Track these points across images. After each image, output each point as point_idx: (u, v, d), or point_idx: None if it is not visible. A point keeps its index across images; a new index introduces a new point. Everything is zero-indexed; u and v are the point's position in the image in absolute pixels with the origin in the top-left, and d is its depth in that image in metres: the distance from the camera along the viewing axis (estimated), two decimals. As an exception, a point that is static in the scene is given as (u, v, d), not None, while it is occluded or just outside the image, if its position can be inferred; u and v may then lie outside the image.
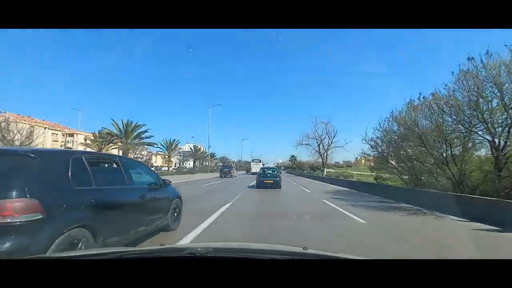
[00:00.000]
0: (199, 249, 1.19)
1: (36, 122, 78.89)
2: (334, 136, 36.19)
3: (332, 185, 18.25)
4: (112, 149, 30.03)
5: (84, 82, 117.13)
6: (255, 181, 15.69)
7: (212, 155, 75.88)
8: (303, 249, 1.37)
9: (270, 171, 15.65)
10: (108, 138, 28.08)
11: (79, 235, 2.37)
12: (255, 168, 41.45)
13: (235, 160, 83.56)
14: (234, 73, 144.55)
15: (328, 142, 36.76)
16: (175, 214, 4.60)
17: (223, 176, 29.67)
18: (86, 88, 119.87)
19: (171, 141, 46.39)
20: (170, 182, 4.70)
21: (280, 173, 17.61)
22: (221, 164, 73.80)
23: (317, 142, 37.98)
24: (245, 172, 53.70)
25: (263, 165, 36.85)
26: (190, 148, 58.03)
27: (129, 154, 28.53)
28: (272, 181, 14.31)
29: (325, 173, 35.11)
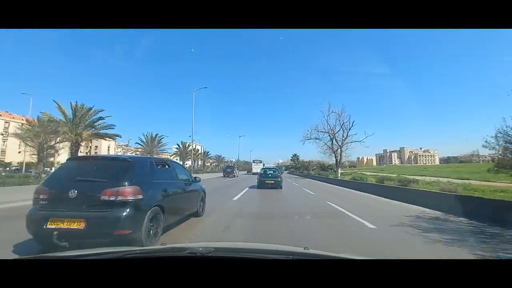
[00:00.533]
0: (200, 249, 1.19)
1: (13, 117, 71.19)
2: (350, 129, 28.49)
3: (382, 199, 10.43)
4: (60, 142, 22.30)
5: (79, 80, 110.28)
6: (256, 181, 15.43)
7: (206, 154, 68.82)
8: (304, 249, 1.37)
9: (271, 172, 15.33)
10: (52, 127, 20.27)
11: (157, 212, 3.67)
12: (256, 168, 42.83)
13: (234, 160, 78.18)
14: (233, 73, 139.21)
15: (343, 136, 29.07)
16: (202, 203, 5.96)
17: (226, 176, 30.40)
18: (78, 87, 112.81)
19: (153, 136, 38.51)
20: (200, 179, 6.20)
21: (281, 174, 17.10)
22: (216, 163, 69.59)
23: (329, 136, 30.17)
24: (246, 172, 55.08)
25: (264, 166, 37.09)
26: (178, 145, 50.01)
27: (81, 148, 20.80)
28: (273, 181, 14.20)
29: (339, 174, 27.57)
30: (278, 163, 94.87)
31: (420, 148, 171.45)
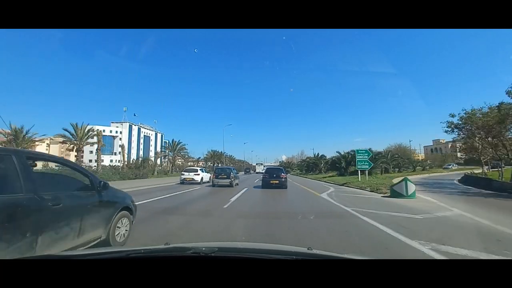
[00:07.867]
0: (203, 248, 1.20)
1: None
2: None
3: None
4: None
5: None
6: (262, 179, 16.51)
7: (176, 145, 40.12)
8: (308, 249, 1.37)
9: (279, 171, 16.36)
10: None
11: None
12: (259, 169, 57.91)
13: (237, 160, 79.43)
14: (234, 71, 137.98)
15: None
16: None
17: (246, 173, 48.01)
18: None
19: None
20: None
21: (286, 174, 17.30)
22: (211, 164, 76.74)
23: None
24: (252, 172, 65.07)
25: (264, 166, 48.43)
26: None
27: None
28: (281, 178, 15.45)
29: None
30: (281, 161, 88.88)
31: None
